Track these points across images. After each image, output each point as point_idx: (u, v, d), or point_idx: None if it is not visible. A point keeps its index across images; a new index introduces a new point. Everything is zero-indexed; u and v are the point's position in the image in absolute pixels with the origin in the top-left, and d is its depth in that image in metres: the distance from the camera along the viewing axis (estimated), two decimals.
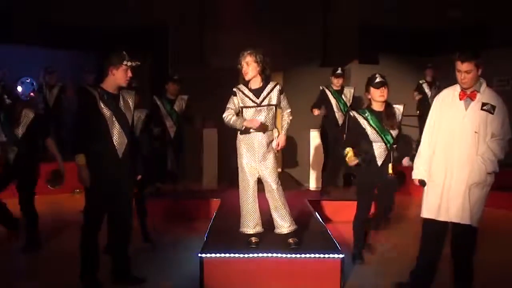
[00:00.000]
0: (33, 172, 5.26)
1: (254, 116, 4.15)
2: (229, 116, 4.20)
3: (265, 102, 4.15)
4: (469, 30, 9.70)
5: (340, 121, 6.91)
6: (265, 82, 4.19)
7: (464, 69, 3.54)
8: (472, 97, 3.59)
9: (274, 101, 4.17)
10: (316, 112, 6.94)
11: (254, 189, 4.21)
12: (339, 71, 6.87)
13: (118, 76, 3.81)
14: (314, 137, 8.21)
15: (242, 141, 4.22)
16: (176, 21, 10.07)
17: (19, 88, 9.78)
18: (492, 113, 3.53)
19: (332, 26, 10.12)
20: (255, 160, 4.17)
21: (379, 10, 9.61)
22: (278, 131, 4.28)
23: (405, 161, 4.54)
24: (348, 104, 6.93)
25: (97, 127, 3.75)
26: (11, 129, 5.13)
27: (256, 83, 4.19)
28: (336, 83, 6.89)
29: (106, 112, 3.77)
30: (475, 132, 3.53)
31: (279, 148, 4.20)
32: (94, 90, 3.78)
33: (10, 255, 5.14)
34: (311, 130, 8.21)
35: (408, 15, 9.79)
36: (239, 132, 4.24)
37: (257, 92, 4.17)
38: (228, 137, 10.10)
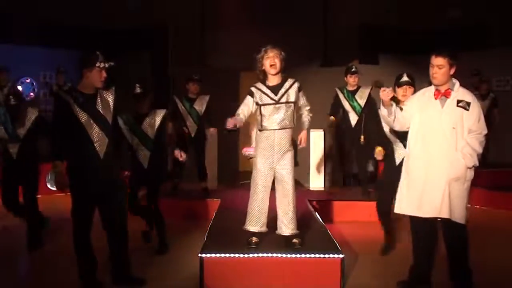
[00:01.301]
0: (35, 172, 5.30)
1: (272, 113, 4.09)
2: (238, 114, 4.13)
3: (283, 99, 4.08)
4: (469, 30, 9.71)
5: (353, 123, 6.79)
6: (284, 79, 4.15)
7: (436, 63, 3.66)
8: (446, 95, 3.70)
9: (292, 98, 4.10)
10: (331, 119, 6.91)
11: (266, 188, 4.16)
12: (354, 68, 6.70)
13: (92, 78, 3.77)
14: (314, 137, 8.21)
15: (260, 138, 4.16)
16: (176, 21, 10.07)
17: (19, 88, 9.82)
18: (467, 109, 3.65)
19: (332, 26, 10.12)
20: (273, 159, 4.13)
21: (379, 10, 9.62)
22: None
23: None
24: (363, 104, 6.77)
25: (75, 131, 3.72)
26: (14, 129, 5.17)
27: (274, 80, 4.13)
28: (352, 82, 6.72)
29: (82, 115, 3.73)
30: (453, 128, 3.64)
31: (303, 144, 4.14)
32: (68, 94, 3.75)
33: (12, 254, 5.13)
34: (311, 130, 8.21)
35: (408, 15, 9.80)
36: (257, 129, 4.20)
37: (275, 89, 4.11)
38: (228, 137, 10.10)
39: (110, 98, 3.91)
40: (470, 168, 3.65)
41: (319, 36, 10.17)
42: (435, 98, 3.73)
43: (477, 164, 3.66)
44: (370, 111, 6.62)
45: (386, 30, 9.97)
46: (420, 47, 10.00)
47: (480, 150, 3.65)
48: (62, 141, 3.74)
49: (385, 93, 3.78)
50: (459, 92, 3.71)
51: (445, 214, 3.65)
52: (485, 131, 3.69)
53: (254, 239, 4.18)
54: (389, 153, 4.63)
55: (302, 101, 4.21)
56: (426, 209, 3.70)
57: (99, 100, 3.84)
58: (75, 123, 3.71)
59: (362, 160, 6.93)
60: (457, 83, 3.75)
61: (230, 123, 3.94)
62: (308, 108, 4.24)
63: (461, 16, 9.76)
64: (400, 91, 4.51)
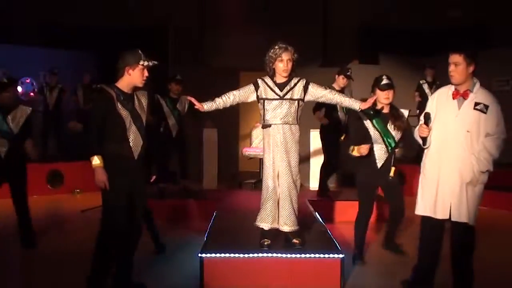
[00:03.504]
0: (24, 171, 5.19)
1: (276, 109, 4.12)
2: (222, 96, 4.22)
3: (288, 96, 4.12)
4: (469, 30, 9.71)
5: (342, 122, 6.79)
6: (290, 77, 4.17)
7: (452, 61, 3.58)
8: (464, 96, 3.62)
9: (296, 96, 4.13)
10: (320, 117, 6.86)
11: (275, 184, 4.16)
12: (349, 72, 6.69)
13: (135, 76, 3.69)
14: (314, 137, 8.21)
15: (266, 135, 4.19)
16: (176, 21, 10.08)
17: (19, 88, 9.82)
18: (485, 113, 3.55)
19: (332, 26, 10.14)
20: (278, 155, 4.13)
21: (379, 10, 9.63)
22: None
23: None
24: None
25: (114, 128, 3.64)
26: (5, 121, 5.00)
27: (282, 78, 4.16)
28: (342, 84, 6.69)
29: (124, 112, 3.66)
30: (467, 131, 3.57)
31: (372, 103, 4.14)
32: (111, 90, 3.67)
33: (10, 255, 5.14)
34: (311, 130, 8.21)
35: (408, 15, 9.81)
36: (261, 126, 4.23)
37: (281, 86, 4.15)
38: (228, 137, 10.13)
39: (144, 101, 3.85)
40: (483, 172, 3.59)
41: (319, 36, 10.18)
42: (453, 98, 3.64)
43: (491, 169, 3.58)
44: (353, 112, 6.62)
45: (386, 30, 9.97)
46: (420, 47, 10.05)
47: (496, 154, 3.56)
48: (100, 137, 3.62)
49: (423, 130, 3.71)
50: (479, 94, 3.60)
51: (464, 219, 3.61)
52: (503, 135, 3.58)
53: (266, 241, 4.15)
54: (368, 155, 4.49)
55: (319, 91, 4.18)
56: (440, 211, 3.67)
57: (136, 100, 3.78)
58: (115, 120, 3.62)
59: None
60: (478, 84, 3.63)
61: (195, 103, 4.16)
62: (329, 90, 4.26)
63: (461, 16, 9.77)
64: (383, 94, 4.47)
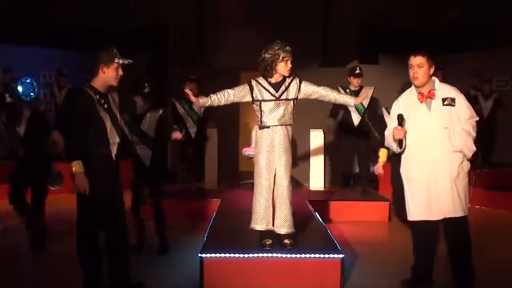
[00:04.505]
0: (44, 169, 5.29)
1: (272, 110, 4.10)
2: (218, 93, 4.19)
3: (284, 96, 4.11)
4: (469, 30, 9.71)
5: (356, 123, 6.73)
6: (284, 77, 4.15)
7: (415, 63, 3.68)
8: (431, 97, 3.70)
9: (291, 95, 4.12)
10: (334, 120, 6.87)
11: (270, 185, 4.16)
12: (357, 70, 6.67)
13: (109, 75, 3.65)
14: (314, 137, 8.22)
15: (261, 136, 4.17)
16: (176, 21, 10.08)
17: (19, 88, 9.79)
18: (454, 105, 3.67)
19: (332, 26, 10.13)
20: (274, 156, 4.13)
21: (379, 10, 9.62)
22: None
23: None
24: (366, 104, 6.68)
25: (96, 130, 3.61)
26: (14, 128, 5.14)
27: (277, 78, 4.15)
28: (356, 83, 6.69)
29: (103, 114, 3.63)
30: (445, 127, 3.66)
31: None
32: (90, 91, 3.63)
33: (11, 256, 5.13)
34: (311, 130, 8.22)
35: (408, 15, 9.80)
36: (257, 127, 4.20)
37: (276, 86, 4.13)
38: (228, 137, 10.13)
39: (117, 99, 3.83)
40: (468, 159, 3.70)
41: (319, 36, 10.17)
42: (421, 102, 3.72)
43: (475, 149, 3.70)
44: (373, 111, 6.62)
45: (386, 30, 9.97)
46: (420, 47, 10.02)
47: (474, 134, 3.69)
48: (81, 139, 3.57)
49: (399, 132, 3.75)
50: (441, 90, 3.72)
51: (459, 213, 3.67)
52: (476, 118, 3.74)
53: (268, 241, 4.14)
54: (396, 156, 4.54)
55: (312, 88, 4.17)
56: (436, 212, 3.69)
57: (110, 99, 3.76)
58: (96, 122, 3.60)
59: (364, 160, 6.92)
60: (437, 80, 3.76)
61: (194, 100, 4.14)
62: (323, 87, 4.20)
63: (461, 16, 9.76)
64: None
